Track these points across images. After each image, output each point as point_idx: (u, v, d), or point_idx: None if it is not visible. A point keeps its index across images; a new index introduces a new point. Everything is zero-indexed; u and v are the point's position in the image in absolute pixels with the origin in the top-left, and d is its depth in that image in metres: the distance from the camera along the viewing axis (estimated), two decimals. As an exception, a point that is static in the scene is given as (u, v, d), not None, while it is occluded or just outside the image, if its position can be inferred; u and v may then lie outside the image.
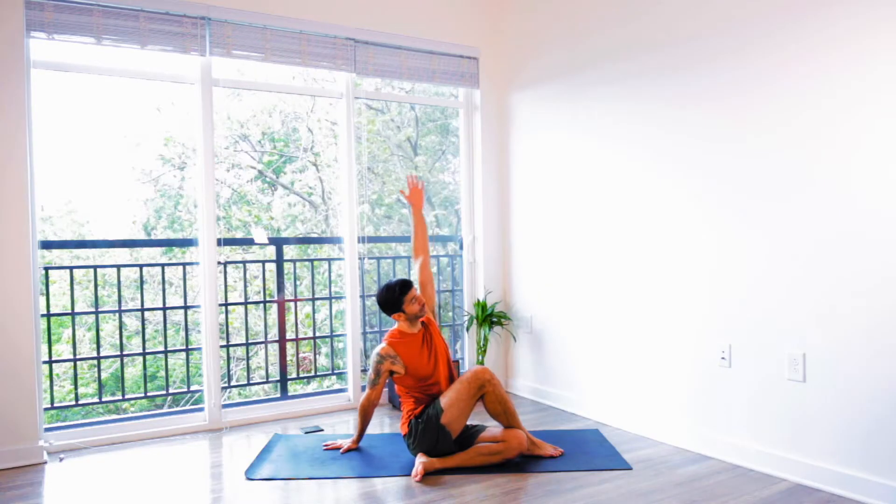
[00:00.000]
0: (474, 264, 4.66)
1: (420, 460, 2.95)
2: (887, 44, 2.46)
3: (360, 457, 3.18)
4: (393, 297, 3.12)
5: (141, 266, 4.20)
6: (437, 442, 3.00)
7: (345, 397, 4.20)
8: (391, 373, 3.13)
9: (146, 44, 3.48)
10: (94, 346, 3.77)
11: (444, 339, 3.33)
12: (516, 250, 4.53)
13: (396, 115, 5.88)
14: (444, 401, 3.02)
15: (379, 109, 5.96)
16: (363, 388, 4.22)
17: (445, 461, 2.96)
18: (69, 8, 3.29)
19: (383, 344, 3.15)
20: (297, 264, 4.68)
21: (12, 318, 3.17)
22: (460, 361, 4.64)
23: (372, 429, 3.70)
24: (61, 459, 3.21)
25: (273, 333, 4.17)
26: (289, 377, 4.19)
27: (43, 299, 3.43)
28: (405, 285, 3.13)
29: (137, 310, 4.07)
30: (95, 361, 3.93)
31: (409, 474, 2.91)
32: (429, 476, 2.90)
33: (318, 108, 5.94)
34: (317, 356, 4.50)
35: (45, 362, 3.44)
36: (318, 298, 4.39)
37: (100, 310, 3.82)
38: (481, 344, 4.42)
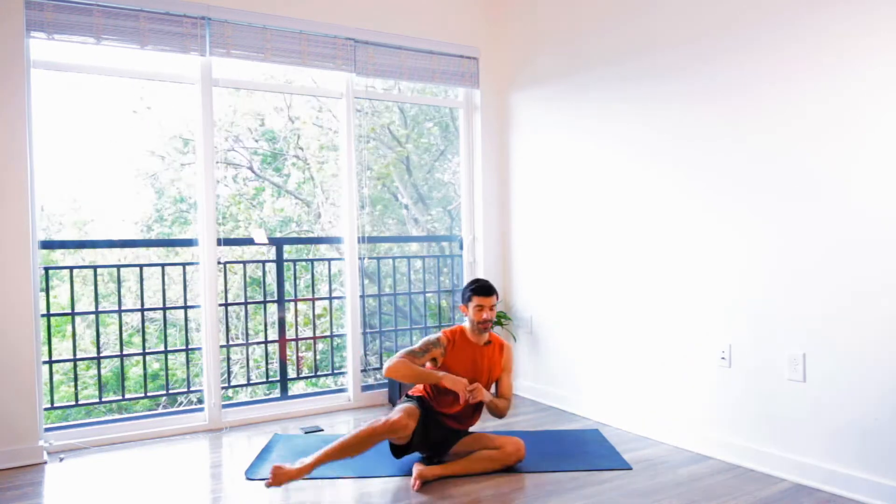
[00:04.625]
0: (474, 264, 4.66)
1: (417, 469, 2.85)
2: (888, 43, 2.47)
3: (359, 457, 3.17)
4: (469, 287, 3.09)
5: (141, 266, 4.20)
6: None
7: (345, 397, 4.20)
8: (434, 360, 3.03)
9: (146, 44, 3.48)
10: (96, 345, 3.76)
11: (509, 386, 3.17)
12: (516, 250, 4.53)
13: (390, 114, 5.87)
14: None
15: (376, 111, 5.94)
16: (363, 389, 4.23)
17: (446, 468, 2.90)
18: (69, 8, 3.29)
19: (440, 333, 3.09)
20: (297, 264, 4.67)
21: (12, 318, 3.17)
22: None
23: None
24: (61, 459, 3.21)
25: (273, 333, 4.18)
26: (289, 377, 4.20)
27: (43, 299, 3.43)
28: (482, 289, 3.05)
29: (137, 310, 4.07)
30: (95, 361, 3.93)
31: (408, 474, 2.89)
32: (428, 483, 2.84)
33: (297, 105, 5.87)
34: (316, 356, 4.49)
35: (45, 362, 3.44)
36: (318, 298, 4.39)
37: (100, 310, 3.83)
38: (481, 344, 4.42)
